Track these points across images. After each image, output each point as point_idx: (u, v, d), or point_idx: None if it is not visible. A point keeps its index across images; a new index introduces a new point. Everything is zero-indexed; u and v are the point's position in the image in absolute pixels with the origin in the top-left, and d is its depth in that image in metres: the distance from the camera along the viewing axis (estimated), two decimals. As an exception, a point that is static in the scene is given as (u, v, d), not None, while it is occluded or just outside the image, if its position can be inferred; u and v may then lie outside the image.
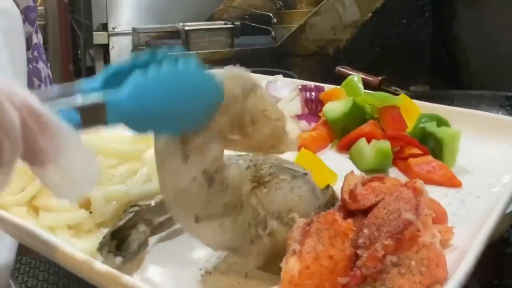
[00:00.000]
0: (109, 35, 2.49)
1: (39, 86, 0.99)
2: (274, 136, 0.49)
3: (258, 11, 2.02)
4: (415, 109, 0.73)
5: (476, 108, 1.23)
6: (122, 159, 0.60)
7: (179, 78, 0.42)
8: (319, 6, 1.59)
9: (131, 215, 0.52)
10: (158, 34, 2.37)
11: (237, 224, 0.46)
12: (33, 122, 0.35)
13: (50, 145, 0.36)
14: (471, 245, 0.42)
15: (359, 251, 0.38)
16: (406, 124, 0.70)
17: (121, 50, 2.52)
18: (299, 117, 0.77)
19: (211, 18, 2.32)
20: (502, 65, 1.41)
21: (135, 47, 2.51)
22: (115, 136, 0.69)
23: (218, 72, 0.46)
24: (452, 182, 0.60)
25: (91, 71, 2.73)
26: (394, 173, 0.66)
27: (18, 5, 0.87)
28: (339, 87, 0.81)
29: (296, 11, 1.81)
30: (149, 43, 2.39)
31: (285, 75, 1.47)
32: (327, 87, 0.83)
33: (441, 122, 0.68)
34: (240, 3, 2.22)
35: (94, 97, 0.39)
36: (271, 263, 0.46)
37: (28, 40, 0.94)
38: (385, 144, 0.64)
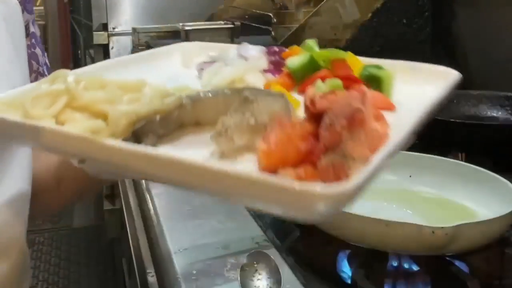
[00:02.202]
0: (109, 35, 2.49)
1: (38, 69, 1.05)
2: None
3: (258, 11, 2.02)
4: (358, 62, 0.85)
5: (476, 108, 1.23)
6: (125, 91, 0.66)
7: None
8: (319, 6, 1.59)
9: (140, 124, 0.59)
10: (158, 34, 2.38)
11: None
12: None
13: None
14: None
15: (321, 131, 0.46)
16: (353, 72, 0.82)
17: (121, 50, 2.53)
18: (266, 71, 0.88)
19: (211, 18, 2.32)
20: (502, 65, 1.41)
21: (135, 47, 2.51)
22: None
23: None
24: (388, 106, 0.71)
25: (91, 71, 2.73)
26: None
27: None
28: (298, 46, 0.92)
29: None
30: (149, 43, 2.40)
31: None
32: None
33: (380, 68, 0.80)
34: (240, 3, 2.22)
35: None
36: None
37: (26, 28, 1.00)
38: (338, 82, 0.75)
